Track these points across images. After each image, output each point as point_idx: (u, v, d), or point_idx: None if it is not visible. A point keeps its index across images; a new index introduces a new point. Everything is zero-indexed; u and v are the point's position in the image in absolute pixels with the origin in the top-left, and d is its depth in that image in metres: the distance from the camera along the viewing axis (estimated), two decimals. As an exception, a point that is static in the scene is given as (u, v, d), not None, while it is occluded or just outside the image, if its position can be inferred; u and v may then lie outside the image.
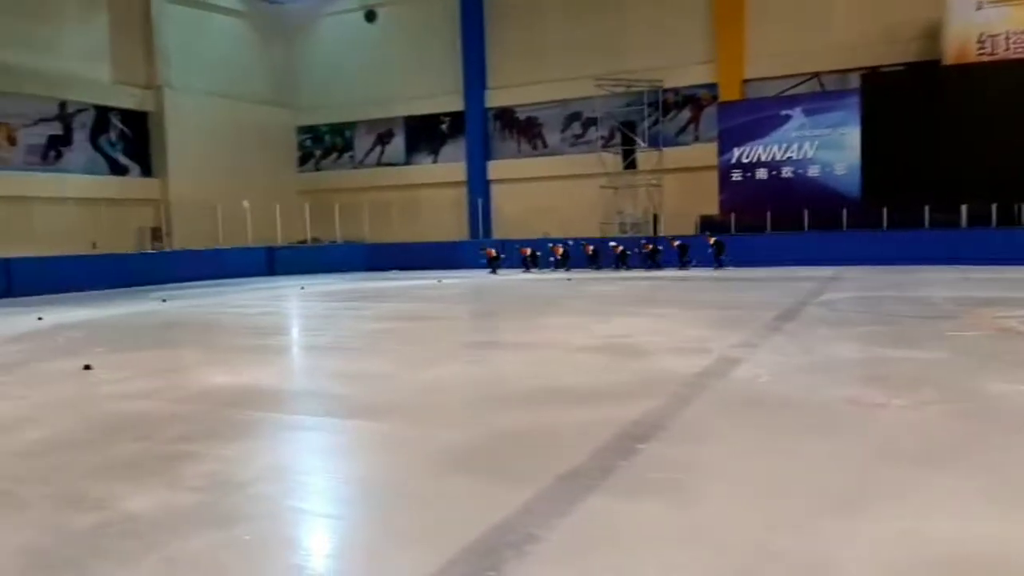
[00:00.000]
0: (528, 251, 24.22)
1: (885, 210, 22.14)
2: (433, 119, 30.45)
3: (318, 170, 32.84)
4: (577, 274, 22.20)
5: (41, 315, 14.08)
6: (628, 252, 23.29)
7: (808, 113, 23.92)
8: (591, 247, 23.77)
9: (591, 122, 27.67)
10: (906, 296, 13.64)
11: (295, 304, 16.47)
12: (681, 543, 3.32)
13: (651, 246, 23.29)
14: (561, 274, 22.51)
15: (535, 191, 28.01)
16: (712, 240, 22.58)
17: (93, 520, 3.83)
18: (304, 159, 33.13)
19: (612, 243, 23.81)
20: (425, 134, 30.75)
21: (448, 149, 30.36)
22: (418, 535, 3.58)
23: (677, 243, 22.93)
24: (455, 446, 4.97)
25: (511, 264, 24.29)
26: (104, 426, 5.85)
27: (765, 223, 23.48)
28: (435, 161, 30.68)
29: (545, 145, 28.82)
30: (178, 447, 5.14)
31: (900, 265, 19.73)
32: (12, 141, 23.39)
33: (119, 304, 16.58)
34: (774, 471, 4.27)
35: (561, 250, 24.12)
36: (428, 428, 5.49)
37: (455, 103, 29.53)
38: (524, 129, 29.14)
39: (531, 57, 28.15)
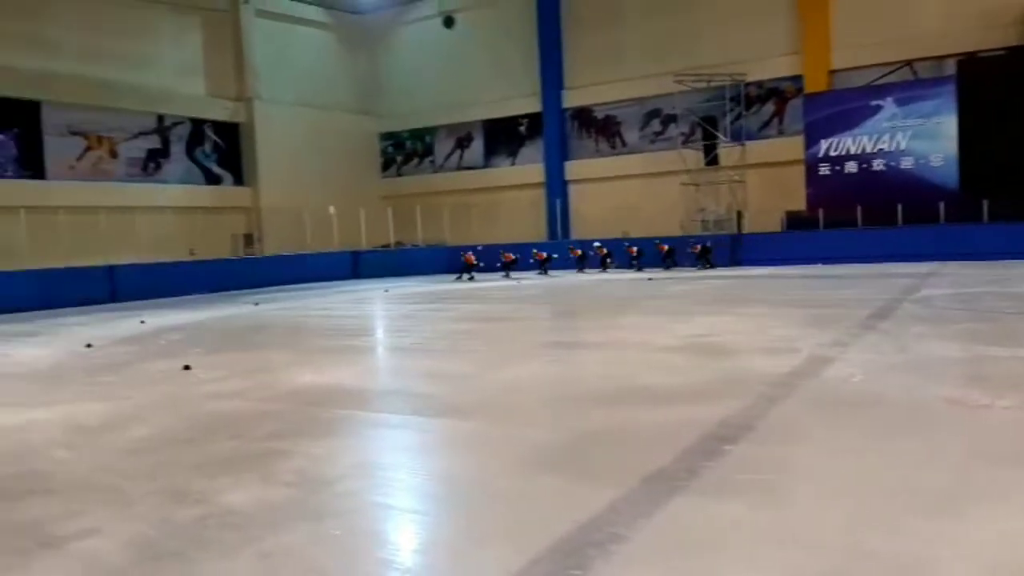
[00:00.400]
0: (511, 256, 24.18)
1: (985, 202, 20.99)
2: (511, 121, 30.62)
3: (400, 175, 33.51)
4: (655, 274, 21.91)
5: (144, 319, 14.85)
6: (709, 247, 22.89)
7: (900, 103, 22.90)
8: (665, 246, 23.45)
9: (671, 119, 27.27)
10: (1009, 292, 12.90)
11: (379, 306, 16.85)
12: (771, 544, 3.24)
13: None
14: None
15: (614, 190, 27.80)
16: (698, 248, 23.05)
17: (195, 514, 4.02)
18: (387, 165, 33.88)
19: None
20: (503, 136, 30.95)
21: (526, 151, 30.47)
22: (503, 533, 3.60)
23: (666, 246, 23.28)
24: (538, 445, 4.98)
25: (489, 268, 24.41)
26: (202, 424, 6.12)
27: (856, 218, 22.60)
28: (513, 163, 30.86)
29: (624, 143, 28.57)
30: (270, 444, 5.33)
31: (1002, 260, 18.67)
32: (114, 154, 24.78)
33: (215, 308, 17.33)
34: (868, 472, 4.12)
35: (544, 255, 24.28)
36: (511, 427, 5.53)
37: (533, 105, 29.62)
38: (602, 128, 28.97)
39: (608, 56, 27.97)
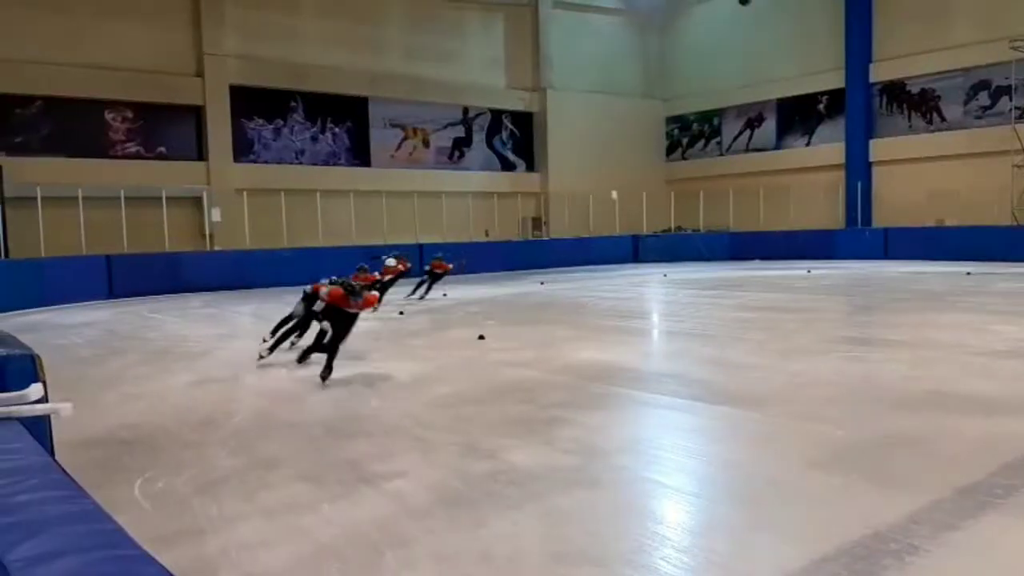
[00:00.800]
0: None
1: None
2: (809, 99, 28.58)
3: (684, 159, 32.97)
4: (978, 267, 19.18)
5: (446, 292, 16.36)
6: None
7: None
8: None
9: (1003, 91, 23.60)
10: None
11: (657, 290, 16.83)
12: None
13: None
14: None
15: (927, 173, 24.78)
16: None
17: (486, 468, 4.39)
18: (671, 148, 33.52)
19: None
20: (799, 115, 29.00)
21: (824, 130, 28.27)
22: (786, 526, 3.47)
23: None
24: (831, 443, 4.71)
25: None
26: (494, 388, 6.64)
27: None
28: (808, 144, 28.81)
29: (943, 119, 25.31)
30: (552, 412, 5.63)
31: None
32: (426, 144, 27.46)
33: (505, 285, 18.58)
34: None
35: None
36: (800, 421, 5.25)
37: (834, 80, 27.33)
38: (916, 103, 25.92)
39: (927, 22, 24.85)
